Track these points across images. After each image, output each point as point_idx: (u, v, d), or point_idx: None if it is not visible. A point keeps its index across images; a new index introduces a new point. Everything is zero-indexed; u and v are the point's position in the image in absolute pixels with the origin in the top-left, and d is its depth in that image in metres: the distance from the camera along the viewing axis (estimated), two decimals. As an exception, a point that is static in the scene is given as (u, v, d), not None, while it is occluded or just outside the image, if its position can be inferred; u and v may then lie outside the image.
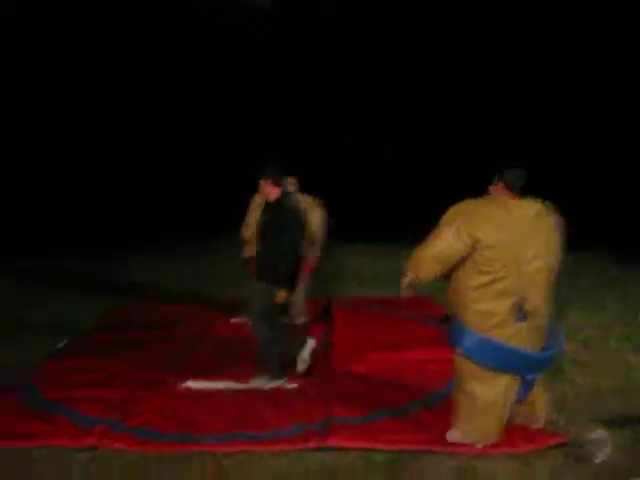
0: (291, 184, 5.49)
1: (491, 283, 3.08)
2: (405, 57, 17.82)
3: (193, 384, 4.25)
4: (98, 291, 7.67)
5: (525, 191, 3.28)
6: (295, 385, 4.25)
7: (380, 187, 17.32)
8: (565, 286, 6.63)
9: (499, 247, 3.04)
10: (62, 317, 6.29)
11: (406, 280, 3.34)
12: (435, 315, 5.52)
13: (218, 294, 7.32)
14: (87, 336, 5.64)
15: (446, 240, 3.11)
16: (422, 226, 3.67)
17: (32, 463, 3.17)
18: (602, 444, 3.09)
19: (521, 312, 3.10)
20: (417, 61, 17.73)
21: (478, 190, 3.44)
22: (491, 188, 3.33)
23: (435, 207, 3.46)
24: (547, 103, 16.55)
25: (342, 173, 17.31)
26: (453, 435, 3.29)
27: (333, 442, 3.26)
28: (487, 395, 3.17)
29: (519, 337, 3.13)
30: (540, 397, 3.41)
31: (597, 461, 3.03)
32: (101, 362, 4.74)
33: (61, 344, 5.35)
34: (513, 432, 3.32)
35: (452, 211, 3.24)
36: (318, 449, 3.24)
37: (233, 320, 6.07)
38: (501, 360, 3.13)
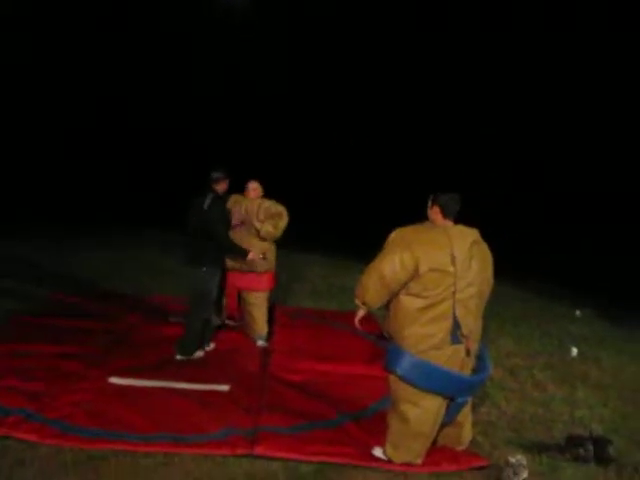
0: (255, 189, 5.44)
1: (429, 307, 3.13)
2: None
3: (119, 380, 4.09)
4: (34, 276, 7.33)
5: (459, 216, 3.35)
6: (227, 388, 4.17)
7: (342, 198, 17.51)
8: (496, 313, 6.88)
9: (439, 273, 3.10)
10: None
11: (360, 313, 3.39)
12: (373, 331, 5.56)
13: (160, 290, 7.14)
14: (14, 320, 5.37)
15: (390, 265, 3.13)
16: (375, 241, 3.71)
17: None
18: (520, 469, 3.18)
19: (456, 335, 3.16)
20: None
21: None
22: (428, 212, 3.36)
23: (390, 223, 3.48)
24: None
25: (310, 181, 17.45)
26: (380, 452, 3.31)
27: (259, 451, 3.21)
28: (420, 418, 3.20)
29: (454, 360, 3.19)
30: (467, 419, 3.48)
31: (515, 485, 3.12)
32: (22, 349, 4.53)
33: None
34: (438, 452, 3.37)
35: (395, 236, 3.26)
36: (243, 456, 3.18)
37: (172, 319, 5.92)
38: (436, 383, 3.17)
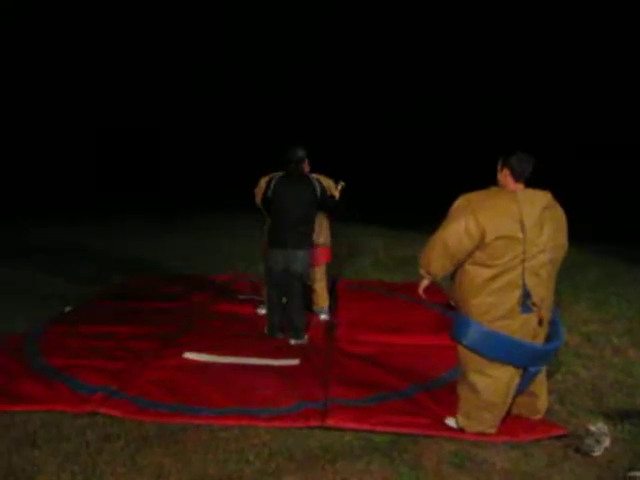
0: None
1: (498, 276, 3.03)
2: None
3: (193, 356, 4.24)
4: (101, 262, 7.70)
5: (531, 181, 3.18)
6: (297, 362, 4.24)
7: (398, 173, 17.35)
8: (570, 279, 6.63)
9: (507, 240, 2.98)
10: (67, 285, 6.32)
11: (424, 283, 3.33)
12: (440, 301, 5.48)
13: (222, 270, 7.34)
14: (91, 304, 5.67)
15: (455, 235, 3.04)
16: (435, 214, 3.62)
17: (31, 426, 3.18)
18: (602, 437, 3.07)
19: (527, 304, 3.06)
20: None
21: (489, 178, 3.35)
22: (498, 176, 3.20)
23: (449, 194, 3.38)
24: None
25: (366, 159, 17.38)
26: (453, 422, 3.28)
27: (332, 422, 3.25)
28: (490, 388, 3.14)
29: (525, 329, 3.09)
30: (542, 389, 3.38)
31: (596, 454, 3.02)
32: (103, 330, 4.76)
33: (66, 309, 5.38)
34: (514, 422, 3.30)
35: (460, 203, 3.14)
36: (317, 428, 3.23)
37: (241, 297, 6.07)
38: (506, 353, 3.09)
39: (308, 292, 5.28)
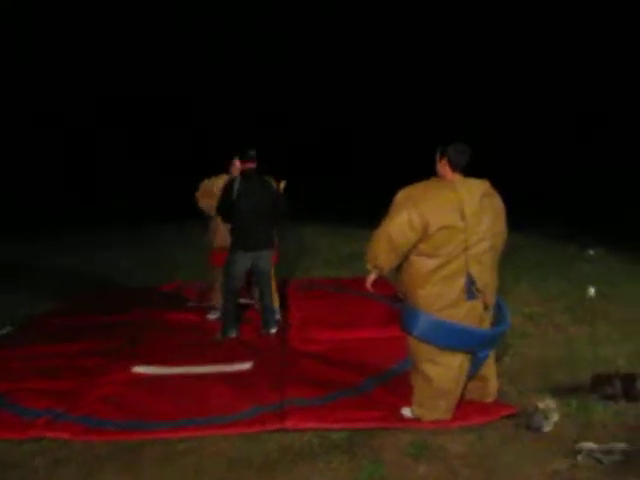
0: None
1: (442, 266, 3.09)
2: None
3: (142, 369, 4.12)
4: (42, 278, 7.38)
5: (469, 168, 3.24)
6: (250, 365, 4.19)
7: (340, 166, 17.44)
8: (510, 263, 6.85)
9: (449, 230, 3.04)
10: (4, 305, 6.02)
11: (372, 277, 3.35)
12: (388, 294, 5.55)
13: (166, 280, 7.16)
14: (31, 323, 5.42)
15: (398, 226, 3.07)
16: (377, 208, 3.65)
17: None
18: (550, 413, 3.19)
19: (472, 291, 3.13)
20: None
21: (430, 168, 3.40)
22: (437, 166, 3.26)
23: (390, 187, 3.41)
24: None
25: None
26: (408, 412, 3.32)
27: (290, 424, 3.23)
28: (442, 376, 3.20)
29: (471, 316, 3.16)
30: (491, 371, 3.47)
31: (546, 429, 3.13)
32: (46, 350, 4.57)
33: (5, 330, 5.12)
34: (467, 406, 3.38)
35: (401, 196, 3.18)
36: (275, 431, 3.20)
37: (189, 304, 5.97)
38: (455, 340, 3.16)
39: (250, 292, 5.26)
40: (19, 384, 3.86)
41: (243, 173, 4.78)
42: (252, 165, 4.77)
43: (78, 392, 3.71)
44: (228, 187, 4.72)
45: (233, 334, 4.94)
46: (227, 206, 4.73)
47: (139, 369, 4.12)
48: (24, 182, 15.59)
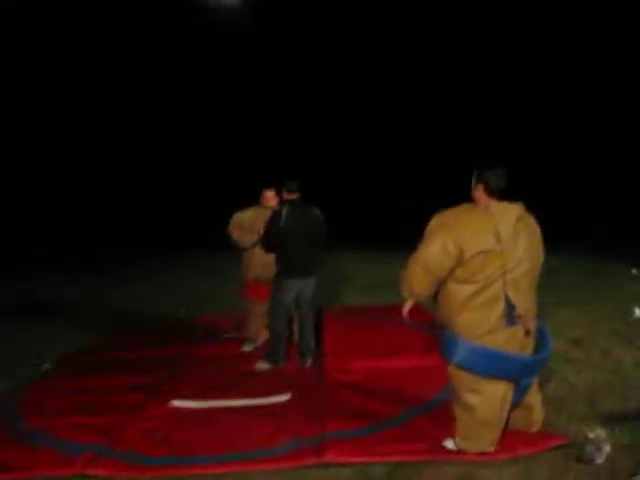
0: (272, 197, 5.42)
1: (480, 291, 3.02)
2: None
3: (181, 403, 4.12)
4: (78, 315, 7.52)
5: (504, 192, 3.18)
6: (288, 397, 4.15)
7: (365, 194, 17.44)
8: (549, 285, 6.69)
9: (485, 255, 2.98)
10: (45, 341, 6.14)
11: (408, 304, 3.30)
12: (425, 321, 5.46)
13: (201, 312, 7.23)
14: (70, 360, 5.49)
15: (433, 253, 3.03)
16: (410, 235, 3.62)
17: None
18: (602, 444, 3.05)
19: (511, 316, 3.05)
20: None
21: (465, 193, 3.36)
22: (473, 190, 3.21)
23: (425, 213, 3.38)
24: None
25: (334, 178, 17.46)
26: (451, 444, 3.22)
27: (329, 458, 3.16)
28: (485, 406, 3.10)
29: (512, 342, 3.07)
30: (536, 399, 3.36)
31: (598, 461, 2.98)
32: (85, 385, 4.61)
33: (45, 367, 5.20)
34: (512, 437, 3.26)
35: (435, 222, 3.15)
36: (314, 466, 3.14)
37: (225, 336, 5.99)
38: (497, 367, 3.07)
39: (290, 323, 5.25)
40: (59, 419, 3.89)
41: (290, 202, 4.86)
42: (296, 195, 4.88)
43: (118, 427, 3.72)
44: (276, 216, 4.78)
45: (281, 364, 4.93)
46: (274, 234, 4.77)
47: (178, 403, 4.12)
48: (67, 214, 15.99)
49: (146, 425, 3.76)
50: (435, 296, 3.24)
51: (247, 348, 5.51)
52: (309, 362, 4.96)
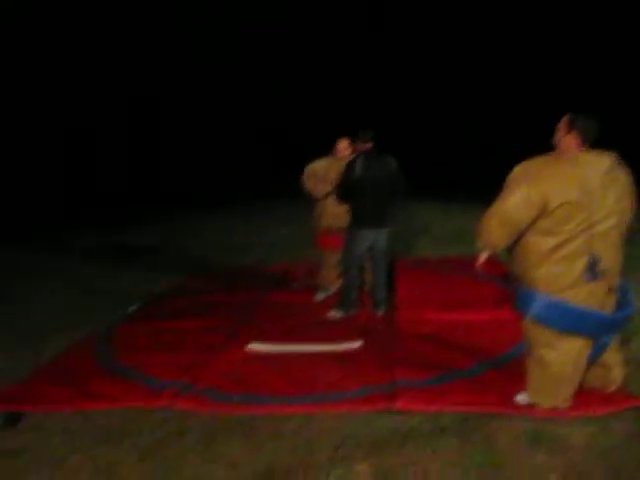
0: (346, 147, 5.39)
1: (562, 244, 2.91)
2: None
3: (257, 347, 4.31)
4: (160, 262, 7.93)
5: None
6: (359, 345, 4.24)
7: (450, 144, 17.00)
8: (636, 242, 6.31)
9: (570, 207, 2.85)
10: (130, 285, 6.56)
11: (483, 256, 3.23)
12: (499, 274, 5.35)
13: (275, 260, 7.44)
14: (155, 301, 5.85)
15: (515, 203, 2.92)
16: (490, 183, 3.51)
17: (110, 423, 3.33)
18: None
19: (594, 272, 2.93)
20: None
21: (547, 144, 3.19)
22: (560, 139, 3.03)
23: (506, 163, 3.25)
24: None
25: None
26: (523, 398, 3.20)
27: (399, 405, 3.23)
28: (559, 361, 3.04)
29: (593, 298, 2.96)
30: (615, 359, 3.25)
31: (680, 424, 2.88)
32: (168, 326, 4.91)
33: (131, 308, 5.58)
34: (587, 395, 3.19)
35: (518, 171, 3.02)
36: (384, 412, 3.22)
37: (297, 285, 6.15)
38: (574, 323, 2.98)
39: (362, 272, 5.30)
40: (146, 357, 4.18)
41: (364, 152, 4.81)
42: (371, 144, 4.83)
43: (199, 366, 3.96)
44: (351, 166, 4.75)
45: (354, 312, 5.03)
46: (349, 185, 4.76)
47: (254, 347, 4.32)
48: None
49: (224, 365, 3.98)
50: (510, 248, 3.16)
51: (320, 296, 5.64)
52: (381, 312, 5.01)
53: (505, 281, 5.25)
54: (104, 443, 3.11)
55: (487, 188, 3.97)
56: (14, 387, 3.77)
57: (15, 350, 4.55)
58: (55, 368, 4.09)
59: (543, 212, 2.90)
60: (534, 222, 2.95)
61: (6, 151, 13.97)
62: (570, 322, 2.99)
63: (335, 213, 5.25)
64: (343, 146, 5.37)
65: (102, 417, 3.39)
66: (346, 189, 4.80)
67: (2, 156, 13.72)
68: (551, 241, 2.93)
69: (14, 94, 14.38)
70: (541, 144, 3.20)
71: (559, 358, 3.04)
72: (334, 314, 5.03)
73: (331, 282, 5.65)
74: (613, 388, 3.25)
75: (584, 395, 3.19)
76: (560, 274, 2.94)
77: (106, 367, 4.07)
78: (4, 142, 13.98)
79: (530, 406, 3.15)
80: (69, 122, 15.79)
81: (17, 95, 14.48)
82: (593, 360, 3.15)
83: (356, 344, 4.27)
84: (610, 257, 2.95)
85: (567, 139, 3.00)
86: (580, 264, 2.92)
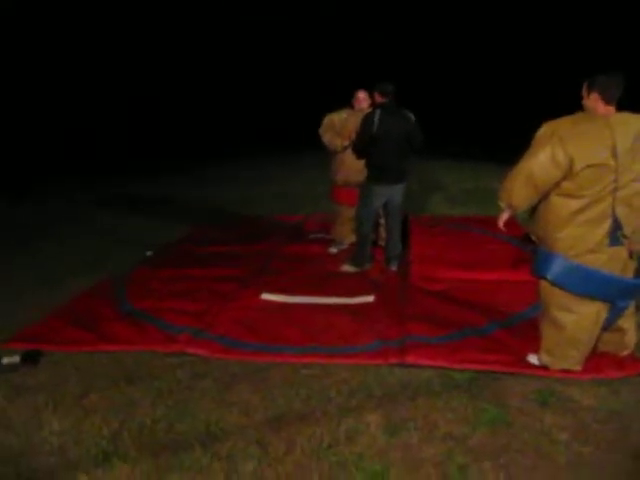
0: (365, 98, 5.25)
1: (587, 207, 2.85)
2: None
3: (270, 297, 4.34)
4: (174, 211, 7.94)
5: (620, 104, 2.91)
6: (372, 299, 4.26)
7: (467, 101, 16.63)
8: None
9: (598, 169, 2.77)
10: (146, 232, 6.59)
11: (504, 216, 3.17)
12: (517, 235, 5.30)
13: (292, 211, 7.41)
14: (171, 248, 5.88)
15: (540, 163, 2.85)
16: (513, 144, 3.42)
17: (126, 364, 3.40)
18: (698, 374, 2.93)
19: (616, 236, 2.88)
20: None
21: (574, 104, 3.09)
22: (585, 102, 2.95)
23: (529, 123, 3.16)
24: None
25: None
26: (535, 359, 3.21)
27: (411, 360, 3.27)
28: (576, 325, 3.03)
29: (614, 263, 2.92)
30: (630, 324, 3.24)
31: (692, 391, 2.89)
32: (183, 273, 4.95)
33: (147, 254, 5.62)
34: (600, 359, 3.20)
35: (545, 130, 2.92)
36: (395, 365, 3.26)
37: (312, 236, 6.14)
38: (593, 287, 2.95)
39: (377, 227, 5.28)
40: (161, 303, 4.24)
41: (382, 106, 4.69)
42: (390, 98, 4.70)
43: (213, 313, 4.00)
44: (368, 120, 4.63)
45: (367, 266, 5.03)
46: (366, 139, 4.66)
47: (267, 296, 4.34)
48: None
49: (237, 313, 4.02)
50: (532, 210, 3.10)
51: (333, 250, 5.64)
52: (394, 267, 5.01)
53: (522, 242, 5.21)
54: (119, 384, 3.18)
55: (510, 149, 3.88)
56: (33, 327, 3.85)
57: (33, 293, 4.63)
58: (73, 309, 4.16)
59: (568, 173, 2.83)
60: (559, 183, 2.88)
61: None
62: (589, 286, 2.96)
63: (353, 167, 5.17)
64: (362, 97, 5.24)
65: (117, 359, 3.46)
66: (363, 143, 4.70)
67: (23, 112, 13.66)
68: (574, 204, 2.87)
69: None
70: (555, 103, 3.10)
71: (575, 321, 3.03)
72: (347, 268, 5.04)
73: (345, 236, 5.63)
74: (626, 353, 3.25)
75: (596, 359, 3.19)
76: (582, 237, 2.90)
77: (122, 310, 4.13)
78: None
79: (542, 367, 3.16)
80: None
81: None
82: (609, 325, 3.14)
83: (368, 298, 4.29)
84: (634, 222, 2.89)
85: (590, 101, 2.92)
86: (603, 228, 2.87)
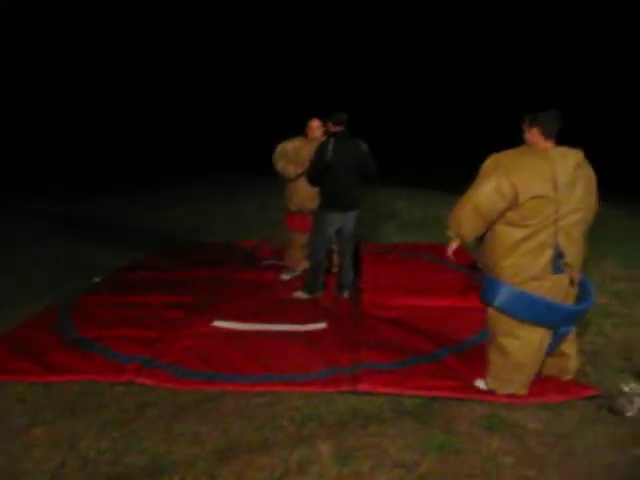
0: (319, 127, 5.34)
1: (530, 236, 2.98)
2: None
3: (222, 324, 4.29)
4: (127, 234, 7.77)
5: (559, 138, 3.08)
6: (324, 326, 4.27)
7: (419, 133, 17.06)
8: (596, 235, 6.52)
9: (541, 200, 2.91)
10: (95, 257, 6.41)
11: (453, 245, 3.26)
12: (465, 262, 5.45)
13: (244, 237, 7.38)
14: (120, 274, 5.74)
15: (486, 194, 2.97)
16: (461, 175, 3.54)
17: (70, 395, 3.27)
18: (635, 397, 3.07)
19: (558, 265, 3.01)
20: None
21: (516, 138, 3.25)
22: (526, 135, 3.12)
23: (475, 155, 3.30)
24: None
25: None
26: (482, 384, 3.29)
27: (363, 387, 3.28)
28: (521, 351, 3.13)
29: (556, 290, 3.05)
30: (572, 348, 3.37)
31: (629, 414, 3.02)
32: (133, 300, 4.83)
33: (95, 280, 5.46)
34: (544, 383, 3.31)
35: (490, 163, 3.07)
36: (347, 393, 3.27)
37: (265, 263, 6.13)
38: (537, 314, 3.07)
39: (330, 255, 5.32)
40: (108, 331, 4.12)
41: (336, 134, 4.77)
42: (343, 127, 4.78)
43: (162, 341, 3.92)
44: (322, 148, 4.70)
45: (319, 293, 5.05)
46: (320, 167, 4.71)
47: (219, 323, 4.29)
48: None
49: (189, 341, 3.95)
50: (480, 238, 3.21)
51: (286, 276, 5.64)
52: (347, 294, 5.05)
53: (470, 270, 5.35)
54: (64, 416, 3.06)
55: (454, 177, 4.02)
56: (-30, 356, 3.66)
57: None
58: (15, 338, 3.99)
59: (513, 204, 2.96)
60: (503, 213, 3.01)
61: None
62: (534, 312, 3.07)
63: (306, 195, 5.22)
64: (315, 125, 5.33)
65: (62, 389, 3.33)
66: (317, 171, 4.77)
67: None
68: (519, 233, 3.00)
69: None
70: (506, 134, 3.26)
71: (520, 347, 3.13)
72: (300, 295, 5.05)
73: (298, 263, 5.65)
74: (569, 377, 3.37)
75: (540, 383, 3.30)
76: (526, 265, 3.02)
77: (67, 339, 4.00)
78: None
79: (489, 392, 3.24)
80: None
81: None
82: (552, 350, 3.26)
83: (320, 325, 4.30)
84: (574, 251, 3.04)
85: (531, 135, 3.08)
86: (546, 257, 3.00)
